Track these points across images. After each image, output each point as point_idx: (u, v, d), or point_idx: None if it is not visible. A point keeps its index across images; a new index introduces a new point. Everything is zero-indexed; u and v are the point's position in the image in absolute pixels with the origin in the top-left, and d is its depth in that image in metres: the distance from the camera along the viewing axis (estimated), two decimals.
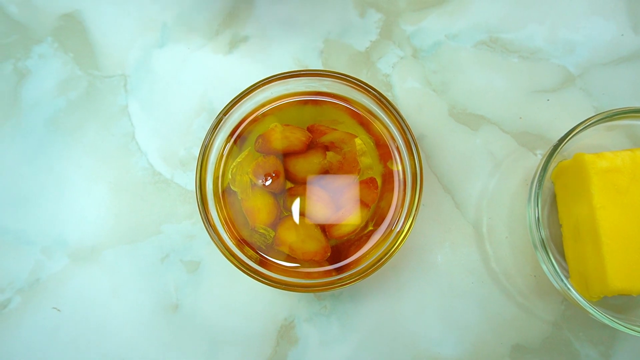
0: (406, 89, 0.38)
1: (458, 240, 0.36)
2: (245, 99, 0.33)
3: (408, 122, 0.38)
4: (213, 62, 0.39)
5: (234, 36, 0.39)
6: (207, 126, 0.37)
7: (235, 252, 0.32)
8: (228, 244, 0.32)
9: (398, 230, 0.31)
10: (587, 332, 0.35)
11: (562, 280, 0.31)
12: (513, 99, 0.38)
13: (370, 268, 0.30)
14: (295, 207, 0.33)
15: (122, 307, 0.36)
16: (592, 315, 0.30)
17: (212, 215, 0.32)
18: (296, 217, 0.33)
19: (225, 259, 0.31)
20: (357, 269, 0.31)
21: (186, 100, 0.38)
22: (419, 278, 0.36)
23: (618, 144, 0.35)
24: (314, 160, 0.33)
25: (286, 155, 0.34)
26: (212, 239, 0.31)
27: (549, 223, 0.35)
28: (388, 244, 0.31)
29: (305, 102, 0.35)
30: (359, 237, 0.33)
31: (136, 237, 0.37)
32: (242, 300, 0.36)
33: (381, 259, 0.30)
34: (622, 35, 0.38)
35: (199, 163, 0.32)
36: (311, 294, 0.36)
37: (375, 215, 0.33)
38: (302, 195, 0.33)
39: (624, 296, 0.33)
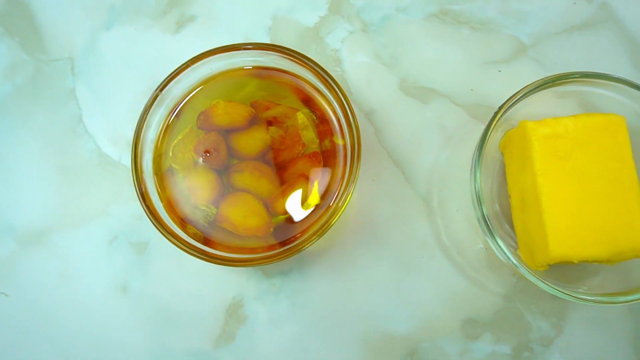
0: (356, 63, 0.38)
1: (409, 215, 0.36)
2: (183, 73, 0.32)
3: (358, 96, 0.37)
4: (161, 42, 0.39)
5: (182, 16, 0.39)
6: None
7: (176, 232, 0.31)
8: (167, 224, 0.31)
9: (339, 203, 0.31)
10: (539, 304, 0.34)
11: (504, 253, 0.30)
12: (464, 71, 0.37)
13: (309, 239, 0.30)
14: (238, 183, 0.32)
15: (71, 290, 0.36)
16: (537, 285, 0.30)
17: (152, 194, 0.32)
18: (238, 193, 0.32)
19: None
20: (298, 242, 0.31)
21: (134, 81, 0.38)
22: (370, 254, 0.35)
23: (570, 111, 0.34)
24: (257, 135, 0.33)
25: (229, 131, 0.33)
26: (149, 218, 0.31)
27: (500, 195, 0.35)
28: (328, 215, 0.31)
29: (250, 77, 0.34)
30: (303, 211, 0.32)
31: (84, 219, 0.36)
32: (190, 280, 0.35)
33: (320, 229, 0.30)
34: (575, 3, 0.38)
35: (134, 141, 0.31)
36: (260, 272, 0.35)
37: (319, 189, 0.32)
38: (245, 171, 0.33)
39: (572, 266, 0.33)
